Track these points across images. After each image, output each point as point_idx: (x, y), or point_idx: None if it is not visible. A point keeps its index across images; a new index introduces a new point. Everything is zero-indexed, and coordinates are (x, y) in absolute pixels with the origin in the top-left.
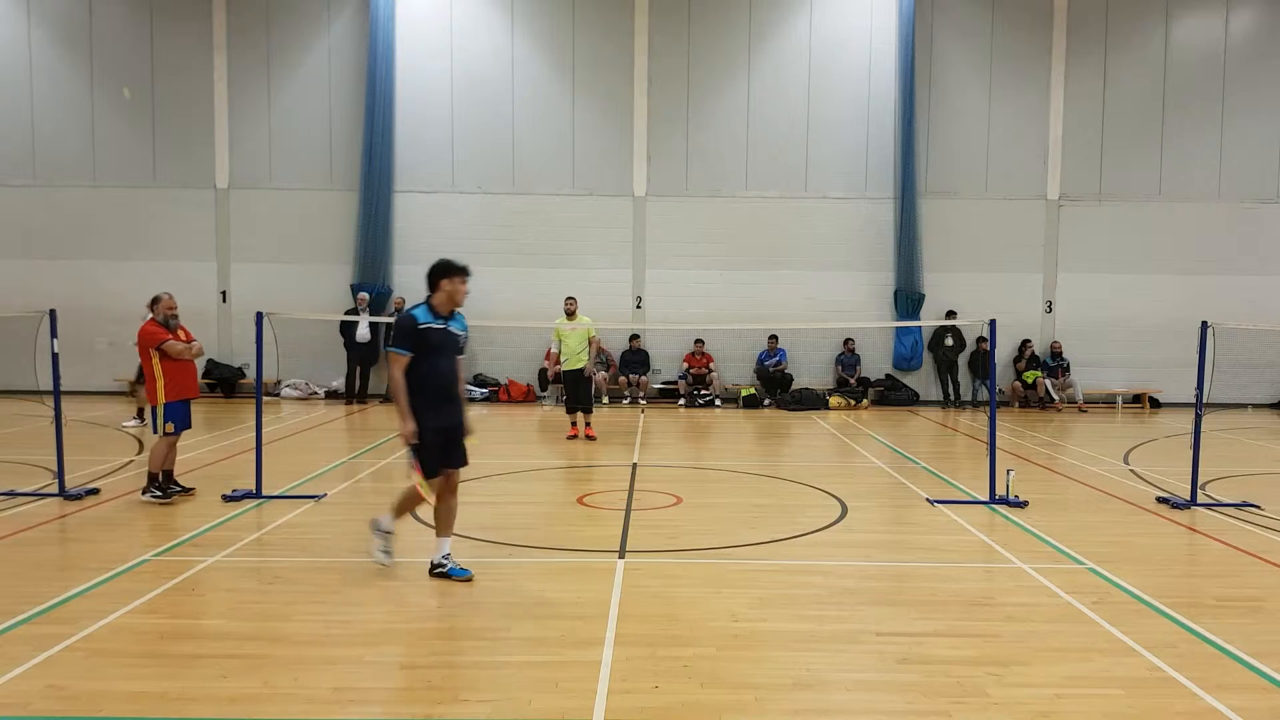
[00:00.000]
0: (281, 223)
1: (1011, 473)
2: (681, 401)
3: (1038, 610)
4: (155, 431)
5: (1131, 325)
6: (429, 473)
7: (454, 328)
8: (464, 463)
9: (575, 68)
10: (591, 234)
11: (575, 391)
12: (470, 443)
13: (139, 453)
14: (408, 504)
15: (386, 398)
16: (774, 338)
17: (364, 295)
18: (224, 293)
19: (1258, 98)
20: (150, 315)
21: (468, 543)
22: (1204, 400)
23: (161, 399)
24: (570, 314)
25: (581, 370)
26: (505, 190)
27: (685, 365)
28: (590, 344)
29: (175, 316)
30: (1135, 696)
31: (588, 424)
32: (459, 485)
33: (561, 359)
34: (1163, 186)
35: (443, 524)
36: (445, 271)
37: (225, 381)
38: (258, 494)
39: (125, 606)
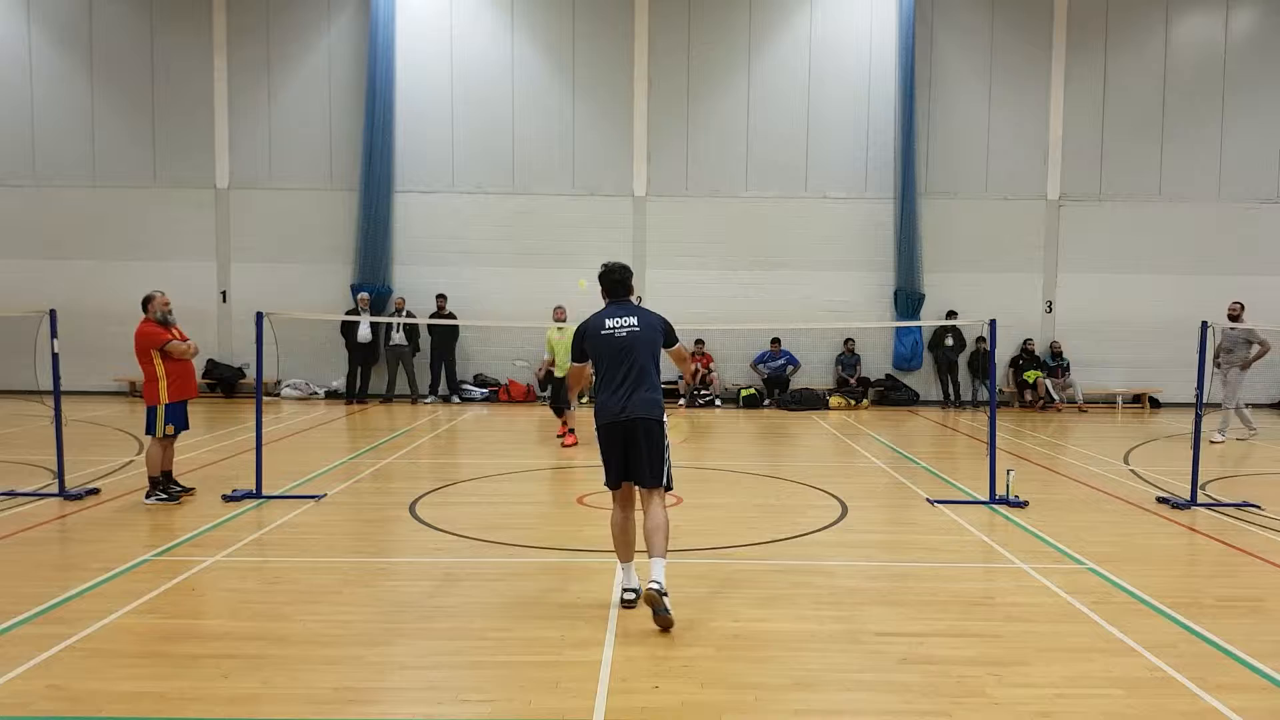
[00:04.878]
0: (281, 223)
1: (1011, 473)
2: (681, 401)
3: (1038, 610)
4: (151, 433)
5: (1131, 325)
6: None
7: None
8: None
9: (575, 68)
10: (591, 234)
11: (558, 394)
12: None
13: (139, 453)
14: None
15: (386, 398)
16: (776, 340)
17: (365, 295)
18: (224, 293)
19: (1258, 98)
20: (145, 315)
21: (467, 542)
22: (1204, 400)
23: (164, 399)
24: (560, 322)
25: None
26: (505, 190)
27: None
28: None
29: (170, 313)
30: (1135, 696)
31: (568, 426)
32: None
33: (555, 365)
34: (1163, 186)
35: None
36: None
37: (225, 381)
38: (258, 494)
39: (125, 606)
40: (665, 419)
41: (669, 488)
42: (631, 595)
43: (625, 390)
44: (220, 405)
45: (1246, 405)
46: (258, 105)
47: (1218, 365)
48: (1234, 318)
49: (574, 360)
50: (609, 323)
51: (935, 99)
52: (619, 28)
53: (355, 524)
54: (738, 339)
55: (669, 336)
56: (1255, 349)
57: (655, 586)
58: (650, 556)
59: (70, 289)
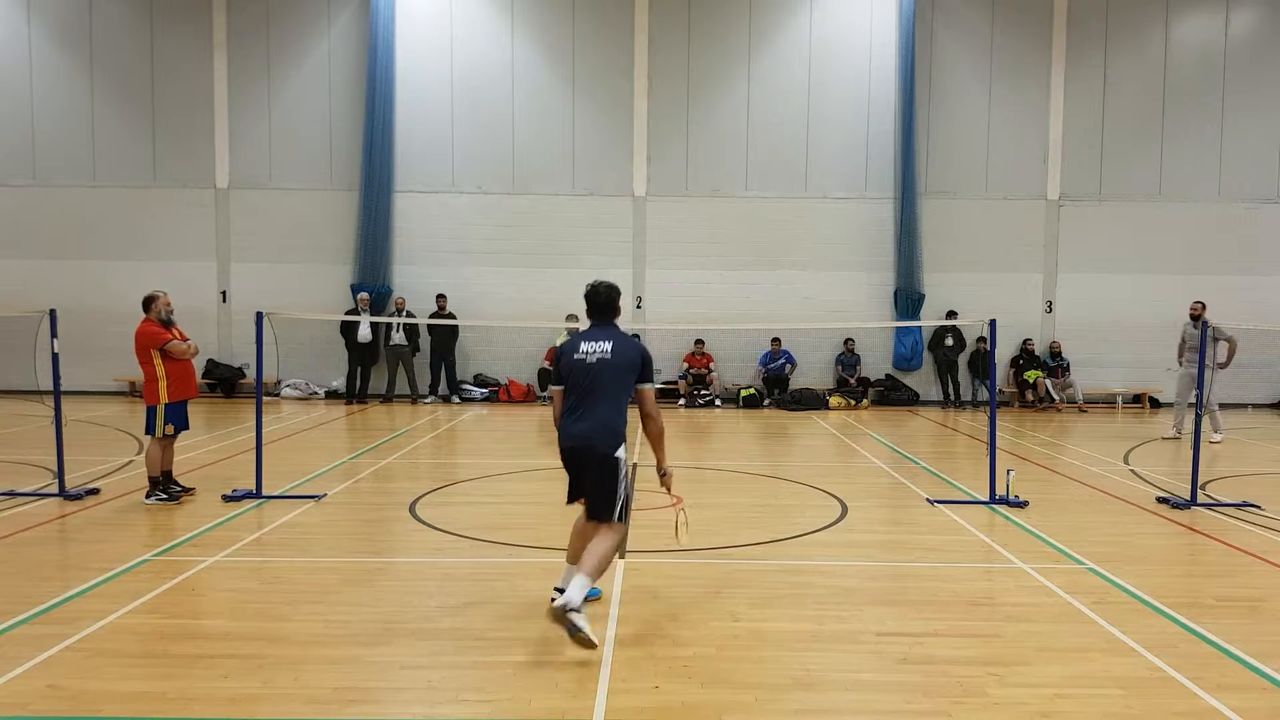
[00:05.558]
0: (281, 223)
1: (1011, 473)
2: (681, 401)
3: (1038, 610)
4: (151, 433)
5: (1131, 325)
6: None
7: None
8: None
9: (575, 68)
10: (591, 234)
11: None
12: None
13: (139, 453)
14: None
15: (386, 398)
16: (777, 340)
17: (365, 295)
18: (224, 293)
19: (1258, 98)
20: (145, 315)
21: (467, 542)
22: (1204, 400)
23: (164, 399)
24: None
25: None
26: (505, 190)
27: (685, 365)
28: None
29: (171, 313)
30: (1135, 696)
31: None
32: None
33: None
34: (1163, 186)
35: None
36: None
37: (225, 381)
38: (258, 494)
39: (125, 606)
40: (621, 454)
41: (621, 519)
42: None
43: (582, 416)
44: (220, 405)
45: (1189, 405)
46: (258, 105)
47: (1182, 364)
48: (1196, 317)
49: (551, 383)
50: (583, 346)
51: (935, 99)
52: (619, 28)
53: (355, 524)
54: (738, 339)
55: (643, 372)
56: (1224, 347)
57: (559, 601)
58: (577, 569)
59: (70, 289)
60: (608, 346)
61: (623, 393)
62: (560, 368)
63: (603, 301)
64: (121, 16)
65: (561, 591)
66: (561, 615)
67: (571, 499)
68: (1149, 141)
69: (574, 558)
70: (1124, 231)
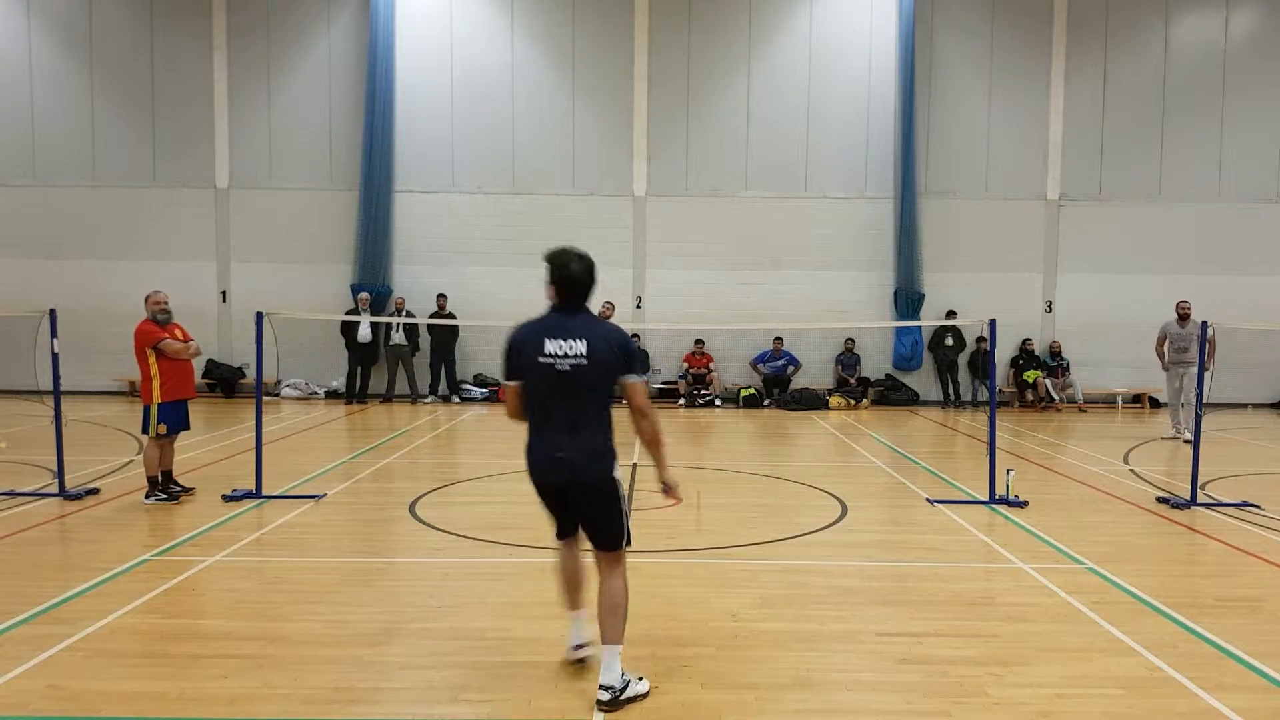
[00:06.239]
0: (281, 223)
1: (1011, 473)
2: (681, 401)
3: (1038, 610)
4: (146, 433)
5: (1131, 325)
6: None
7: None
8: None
9: (575, 68)
10: (591, 234)
11: None
12: None
13: (139, 453)
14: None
15: (386, 398)
16: (779, 339)
17: (365, 295)
18: (224, 293)
19: (1258, 98)
20: (146, 314)
21: (467, 542)
22: (1204, 400)
23: (156, 399)
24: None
25: None
26: (505, 190)
27: (685, 365)
28: None
29: (166, 312)
30: (1135, 696)
31: None
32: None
33: None
34: (1163, 186)
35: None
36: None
37: (225, 381)
38: (258, 494)
39: (125, 606)
40: (618, 473)
41: (627, 544)
42: (586, 651)
43: (561, 438)
44: (220, 405)
45: (1183, 405)
46: (258, 105)
47: (1167, 366)
48: (1185, 317)
49: (504, 378)
50: (549, 345)
51: (935, 99)
52: (619, 28)
53: (355, 524)
54: (738, 339)
55: (629, 365)
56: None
57: (604, 696)
58: (602, 643)
59: (70, 289)
60: (582, 348)
61: (606, 401)
62: (517, 363)
63: (581, 282)
64: (121, 16)
65: (581, 647)
66: (615, 704)
67: (563, 534)
68: (1149, 141)
69: (575, 603)
70: (1124, 231)
